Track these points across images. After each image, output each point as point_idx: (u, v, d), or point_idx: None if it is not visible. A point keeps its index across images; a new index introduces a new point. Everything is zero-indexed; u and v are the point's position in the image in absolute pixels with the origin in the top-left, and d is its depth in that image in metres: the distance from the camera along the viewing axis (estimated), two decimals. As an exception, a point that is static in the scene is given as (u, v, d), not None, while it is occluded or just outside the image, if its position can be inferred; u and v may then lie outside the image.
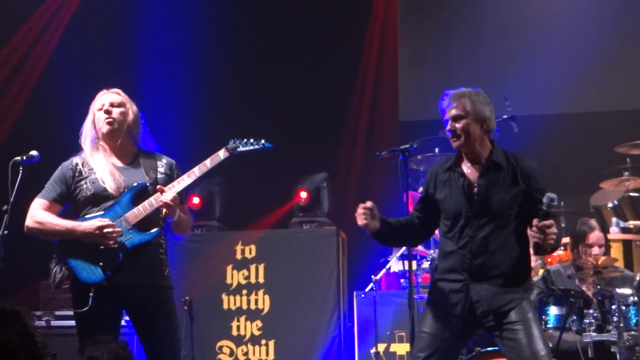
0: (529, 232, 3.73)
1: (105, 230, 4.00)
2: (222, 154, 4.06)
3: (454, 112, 3.87)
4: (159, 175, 4.15)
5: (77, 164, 4.20)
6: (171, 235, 4.24)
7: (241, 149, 4.07)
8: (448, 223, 3.92)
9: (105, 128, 4.17)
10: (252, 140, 4.10)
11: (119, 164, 4.18)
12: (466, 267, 3.84)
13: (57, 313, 6.56)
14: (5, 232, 4.20)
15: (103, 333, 3.76)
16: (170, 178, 4.15)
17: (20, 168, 4.34)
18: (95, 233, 4.00)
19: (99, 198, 4.09)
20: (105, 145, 4.21)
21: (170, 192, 4.02)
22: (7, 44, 8.38)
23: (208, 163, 4.07)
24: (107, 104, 4.19)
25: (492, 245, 3.82)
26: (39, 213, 4.14)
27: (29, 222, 4.16)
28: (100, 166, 4.14)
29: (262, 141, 4.13)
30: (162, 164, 4.21)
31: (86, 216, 4.09)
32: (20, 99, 8.34)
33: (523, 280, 3.88)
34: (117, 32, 8.55)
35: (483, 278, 3.82)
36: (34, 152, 4.43)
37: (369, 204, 3.87)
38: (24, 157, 4.40)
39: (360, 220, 3.86)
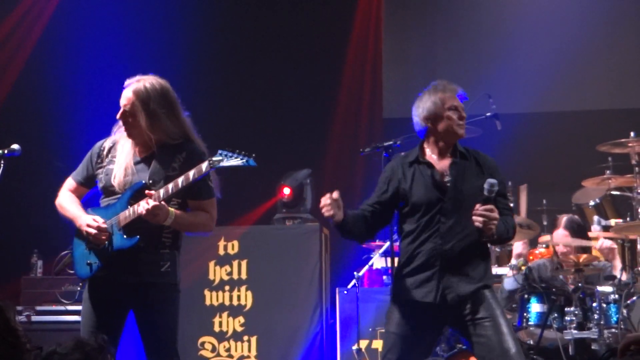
0: (473, 217, 3.81)
1: (93, 232, 3.99)
2: (205, 167, 3.94)
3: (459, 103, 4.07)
4: (170, 173, 4.02)
5: (104, 148, 4.15)
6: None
7: (224, 163, 3.93)
8: (417, 215, 3.97)
9: (123, 132, 4.11)
10: (236, 154, 3.95)
11: (138, 156, 4.10)
12: (437, 254, 3.91)
13: (38, 308, 6.51)
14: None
15: (97, 328, 3.84)
16: (183, 173, 3.99)
17: (2, 161, 4.32)
18: (86, 230, 4.00)
19: (108, 191, 4.07)
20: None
21: (147, 203, 3.90)
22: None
23: (191, 175, 3.95)
24: (121, 109, 4.08)
25: (461, 232, 3.92)
26: (63, 193, 4.17)
27: (56, 200, 4.18)
28: (120, 157, 4.08)
29: (249, 158, 3.95)
30: (181, 158, 4.06)
31: (101, 205, 4.10)
32: (2, 92, 8.27)
33: (486, 266, 4.01)
34: (99, 28, 8.50)
35: (453, 264, 3.91)
36: (15, 146, 4.42)
37: (335, 194, 3.88)
38: (6, 151, 4.38)
39: (327, 212, 3.87)
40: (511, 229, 3.98)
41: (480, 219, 3.76)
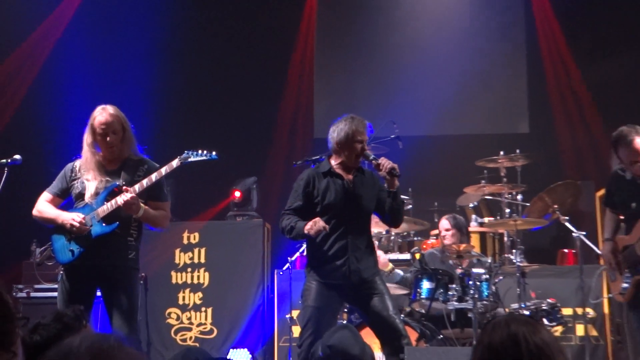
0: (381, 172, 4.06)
1: (74, 224, 3.99)
2: (175, 163, 4.00)
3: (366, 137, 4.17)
4: (135, 179, 4.07)
5: (75, 166, 4.16)
6: (148, 228, 4.18)
7: (192, 159, 4.00)
8: (328, 215, 4.06)
9: (107, 152, 4.09)
10: (201, 151, 4.03)
11: (108, 168, 4.12)
12: (346, 246, 4.05)
13: (36, 286, 6.41)
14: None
15: (72, 303, 3.77)
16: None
17: (5, 169, 4.25)
18: (68, 224, 3.99)
19: (84, 196, 4.09)
20: (102, 154, 4.13)
21: (125, 195, 3.96)
22: (6, 58, 7.99)
23: (163, 171, 4.01)
24: (110, 134, 4.03)
25: (362, 228, 4.11)
26: (40, 204, 4.15)
27: (34, 211, 4.16)
28: (90, 172, 4.08)
29: (212, 153, 4.07)
30: (143, 169, 4.12)
31: (75, 207, 4.09)
32: (10, 107, 8.03)
33: (375, 258, 4.22)
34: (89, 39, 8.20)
35: (356, 255, 4.07)
36: (17, 156, 4.36)
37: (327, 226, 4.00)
38: (9, 160, 4.31)
39: (319, 230, 3.96)
40: (402, 212, 4.22)
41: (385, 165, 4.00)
